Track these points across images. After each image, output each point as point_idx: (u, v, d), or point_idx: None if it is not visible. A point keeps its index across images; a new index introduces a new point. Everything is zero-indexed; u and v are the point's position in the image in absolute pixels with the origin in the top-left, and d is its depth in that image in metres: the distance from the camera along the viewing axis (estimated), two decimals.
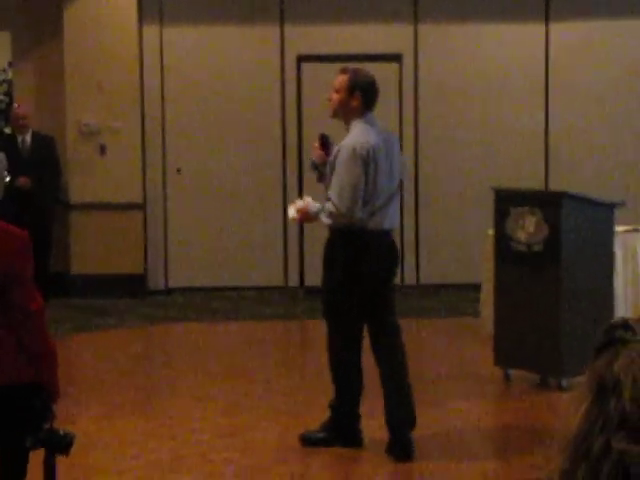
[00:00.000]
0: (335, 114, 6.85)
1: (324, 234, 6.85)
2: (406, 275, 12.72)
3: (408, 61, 12.62)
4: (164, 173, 12.55)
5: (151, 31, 12.56)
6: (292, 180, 12.31)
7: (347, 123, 6.74)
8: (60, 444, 4.38)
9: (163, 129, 12.54)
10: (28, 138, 12.19)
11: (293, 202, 6.91)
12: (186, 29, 12.53)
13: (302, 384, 8.64)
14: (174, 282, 12.60)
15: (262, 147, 12.15)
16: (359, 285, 6.67)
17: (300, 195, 6.85)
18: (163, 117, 12.54)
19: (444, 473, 6.54)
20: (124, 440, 7.20)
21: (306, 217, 6.80)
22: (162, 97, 12.55)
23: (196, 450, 6.91)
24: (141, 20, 12.48)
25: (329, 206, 6.54)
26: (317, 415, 7.21)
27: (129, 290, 12.28)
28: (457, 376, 8.82)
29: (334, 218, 6.58)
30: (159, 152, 12.56)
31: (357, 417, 6.87)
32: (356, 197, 6.50)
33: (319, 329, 10.96)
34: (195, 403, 8.06)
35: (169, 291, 12.57)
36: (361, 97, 6.69)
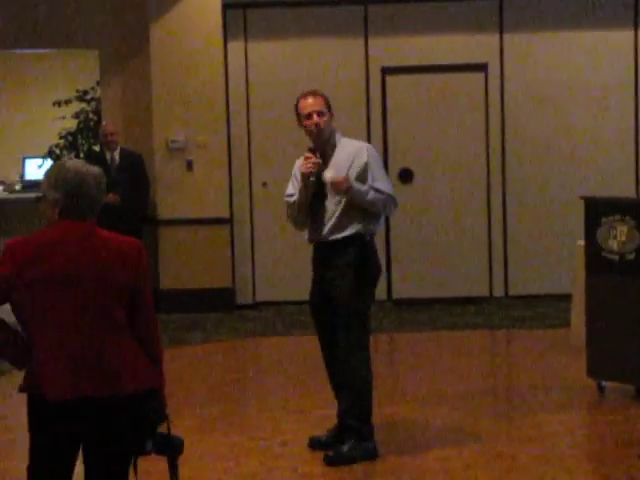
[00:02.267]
0: (324, 134, 6.85)
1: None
2: (495, 287, 12.65)
3: (494, 70, 12.53)
4: (250, 187, 12.61)
5: (236, 46, 12.62)
6: None
7: (326, 140, 6.85)
8: (177, 447, 4.59)
9: (249, 143, 12.60)
10: (116, 155, 12.29)
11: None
12: (270, 44, 12.59)
13: (389, 398, 8.58)
14: (262, 296, 12.65)
15: None
16: (372, 291, 6.99)
17: None
18: (249, 131, 12.60)
19: None
20: (215, 453, 7.21)
21: (348, 185, 6.66)
22: (247, 112, 12.61)
23: (287, 464, 6.90)
24: (226, 36, 12.54)
25: (385, 198, 6.73)
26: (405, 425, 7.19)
27: (218, 304, 12.34)
28: (549, 387, 8.72)
29: (385, 203, 6.75)
30: (245, 166, 12.62)
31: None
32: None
33: (407, 341, 11.02)
34: (286, 416, 8.06)
35: (257, 305, 12.61)
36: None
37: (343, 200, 6.71)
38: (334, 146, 6.85)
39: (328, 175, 6.74)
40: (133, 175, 12.28)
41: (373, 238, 6.90)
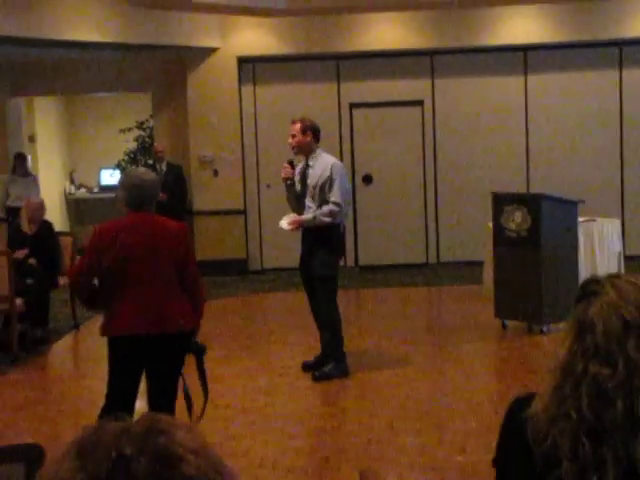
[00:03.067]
0: (299, 150, 6.91)
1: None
2: (430, 256, 12.69)
3: (428, 105, 12.55)
4: (258, 188, 12.61)
5: (247, 89, 12.60)
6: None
7: (307, 154, 6.86)
8: (203, 350, 4.77)
9: (257, 157, 12.59)
10: (164, 166, 12.27)
11: (285, 217, 6.94)
12: (271, 87, 12.56)
13: (357, 334, 8.60)
14: (267, 264, 12.66)
15: None
16: (337, 262, 6.98)
17: None
18: (256, 149, 12.59)
19: (458, 389, 6.54)
20: (236, 374, 7.26)
21: (299, 224, 6.84)
22: (256, 135, 12.60)
23: (287, 380, 6.95)
24: (240, 81, 12.52)
25: (332, 207, 6.66)
26: (368, 352, 7.20)
27: (236, 270, 12.35)
28: (468, 325, 8.77)
29: (334, 215, 6.68)
30: (254, 173, 12.61)
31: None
32: (349, 199, 6.98)
33: (369, 295, 11.07)
34: (285, 347, 8.10)
35: (264, 271, 12.62)
36: (312, 135, 6.83)
37: (316, 199, 6.76)
38: (313, 158, 6.84)
39: (283, 223, 6.86)
40: (176, 180, 12.28)
41: (339, 226, 6.91)
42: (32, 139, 14.66)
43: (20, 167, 12.43)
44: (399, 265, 12.45)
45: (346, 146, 12.59)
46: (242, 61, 12.42)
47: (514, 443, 1.91)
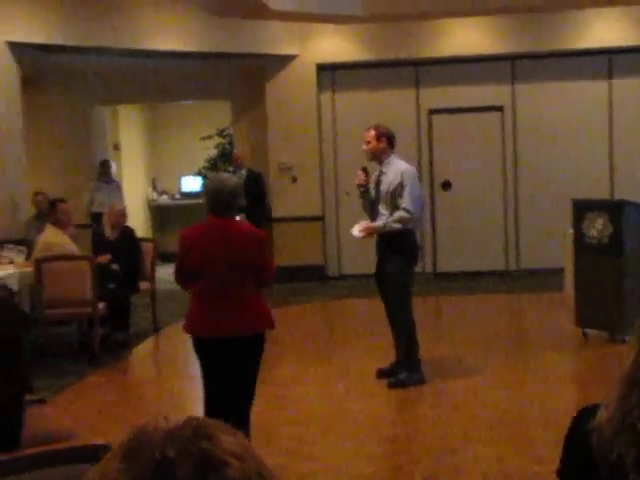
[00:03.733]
0: (373, 156, 6.90)
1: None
2: (510, 263, 12.52)
3: (508, 111, 12.42)
4: (337, 195, 12.64)
5: (326, 97, 12.65)
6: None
7: (381, 161, 6.83)
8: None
9: (335, 164, 12.63)
10: (243, 173, 12.39)
11: (356, 225, 6.91)
12: (350, 94, 12.59)
13: (433, 341, 8.55)
14: (345, 270, 12.67)
15: None
16: (411, 268, 6.89)
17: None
18: (335, 156, 12.63)
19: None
20: (312, 379, 7.28)
21: (371, 232, 6.82)
22: (334, 142, 12.64)
23: (362, 387, 6.92)
24: (319, 89, 12.58)
25: (402, 214, 6.60)
26: (444, 360, 7.14)
27: (313, 276, 12.39)
28: (547, 333, 8.64)
29: (405, 222, 6.63)
30: (333, 180, 12.65)
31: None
32: (421, 205, 6.86)
33: (446, 302, 10.98)
34: (362, 353, 8.07)
35: (342, 277, 12.64)
36: (387, 142, 6.80)
37: (388, 206, 6.74)
38: (386, 165, 6.82)
39: (355, 231, 6.85)
40: (255, 187, 12.39)
41: (413, 233, 6.85)
42: (117, 147, 14.98)
43: (104, 174, 12.70)
44: (478, 272, 12.32)
45: (425, 152, 12.53)
46: (321, 68, 12.48)
47: (578, 455, 1.88)
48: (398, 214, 6.64)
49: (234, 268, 4.74)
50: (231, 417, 4.13)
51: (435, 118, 12.53)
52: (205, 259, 4.77)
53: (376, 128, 6.88)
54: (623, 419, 1.74)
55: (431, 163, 12.55)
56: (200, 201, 10.81)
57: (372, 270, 7.24)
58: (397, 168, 6.78)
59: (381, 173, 6.85)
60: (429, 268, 12.50)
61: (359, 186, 6.95)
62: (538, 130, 12.32)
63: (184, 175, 16.31)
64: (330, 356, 8.12)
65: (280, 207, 12.60)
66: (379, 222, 6.73)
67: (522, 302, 11.00)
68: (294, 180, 12.52)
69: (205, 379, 4.93)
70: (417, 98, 12.52)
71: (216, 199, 4.83)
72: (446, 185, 12.59)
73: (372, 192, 6.92)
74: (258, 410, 6.36)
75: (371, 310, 10.44)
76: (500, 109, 12.40)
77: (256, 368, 4.91)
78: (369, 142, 6.84)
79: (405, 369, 6.81)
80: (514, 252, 12.55)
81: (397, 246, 6.75)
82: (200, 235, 4.82)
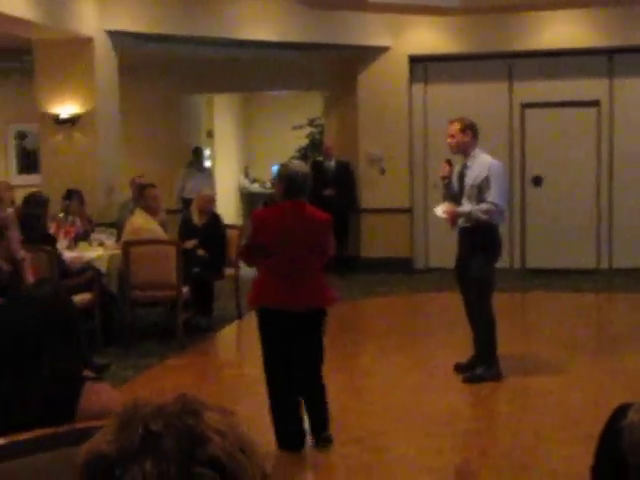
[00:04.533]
0: (457, 149, 6.83)
1: None
2: (601, 261, 12.26)
3: (604, 106, 12.14)
4: (425, 187, 12.57)
5: (418, 88, 12.60)
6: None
7: (466, 154, 6.76)
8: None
9: (425, 157, 12.57)
10: (332, 163, 12.47)
11: (441, 205, 6.84)
12: (442, 86, 12.50)
13: (518, 338, 8.43)
14: (433, 263, 12.60)
15: None
16: (494, 263, 6.77)
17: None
18: (425, 148, 12.56)
19: None
20: (388, 370, 7.29)
21: (454, 215, 6.72)
22: (425, 135, 12.57)
23: (438, 380, 6.91)
24: (411, 80, 12.53)
25: (490, 206, 6.53)
26: (526, 357, 7.04)
27: (400, 269, 12.36)
28: (635, 337, 8.40)
29: (491, 214, 6.56)
30: (421, 172, 12.59)
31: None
32: (507, 199, 6.86)
33: (533, 299, 10.81)
34: (441, 347, 8.03)
35: (429, 270, 12.58)
36: (471, 134, 6.72)
37: (473, 199, 6.67)
38: (472, 158, 6.75)
39: (438, 210, 6.80)
40: (344, 177, 12.45)
41: (497, 227, 6.79)
42: (210, 134, 15.24)
43: (197, 161, 12.96)
44: (568, 269, 12.09)
45: (517, 146, 12.36)
46: (413, 60, 12.42)
47: (610, 453, 1.86)
48: (486, 206, 6.58)
49: (306, 247, 5.11)
50: (298, 389, 4.48)
51: (528, 112, 12.34)
52: (281, 238, 5.08)
53: (460, 121, 6.81)
54: None
55: (523, 157, 12.37)
56: None
57: None
58: (483, 161, 6.72)
59: (465, 166, 6.79)
60: (517, 264, 12.33)
61: (443, 178, 6.93)
62: (636, 125, 12.00)
63: (275, 164, 16.47)
64: (410, 348, 8.11)
65: (368, 198, 12.61)
66: (465, 207, 6.66)
67: (613, 302, 10.75)
68: (383, 171, 12.51)
69: (269, 353, 5.17)
70: (510, 91, 12.34)
71: (291, 184, 5.14)
72: (537, 180, 12.39)
73: (455, 185, 6.88)
74: (332, 398, 6.41)
75: (456, 304, 10.30)
76: (596, 103, 12.12)
77: (321, 341, 5.25)
78: (453, 135, 6.79)
79: (482, 364, 6.75)
80: (607, 250, 12.27)
81: (480, 241, 6.68)
82: (276, 216, 5.13)
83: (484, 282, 6.74)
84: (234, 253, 9.20)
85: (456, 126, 6.77)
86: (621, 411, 1.85)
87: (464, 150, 6.77)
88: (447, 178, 6.88)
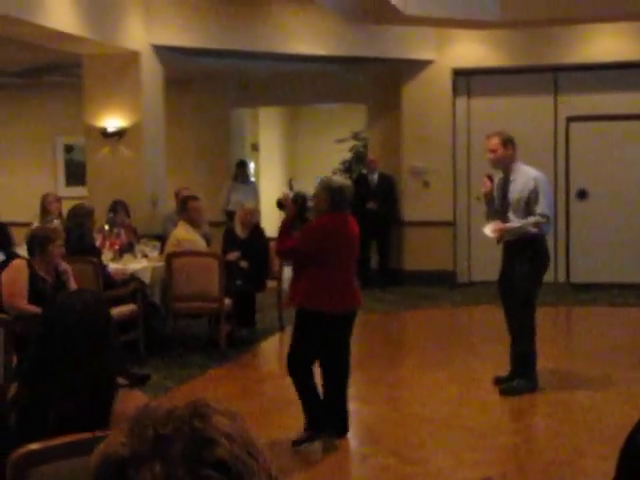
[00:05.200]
0: (497, 164, 6.83)
1: None
2: None
3: None
4: (468, 200, 12.54)
5: (462, 101, 12.59)
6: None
7: (508, 168, 6.75)
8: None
9: (468, 170, 12.53)
10: (375, 176, 12.51)
11: (489, 224, 6.82)
12: (486, 99, 12.48)
13: (560, 354, 8.36)
14: (476, 277, 12.55)
15: None
16: (541, 274, 6.76)
17: None
18: (468, 162, 12.53)
19: None
20: (428, 383, 7.28)
21: (503, 232, 6.69)
22: (468, 148, 12.55)
23: (475, 392, 6.89)
24: (455, 94, 12.53)
25: (539, 218, 6.54)
26: (566, 372, 6.96)
27: (443, 282, 12.34)
28: None
29: (540, 227, 6.56)
30: (464, 185, 12.56)
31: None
32: (555, 211, 6.93)
33: (579, 314, 10.71)
34: (481, 360, 8.00)
35: (472, 283, 12.54)
36: (512, 148, 6.73)
37: (519, 213, 6.66)
38: (514, 171, 6.73)
39: (487, 230, 6.79)
40: (387, 190, 12.48)
41: (544, 238, 6.77)
42: (255, 147, 15.37)
43: (242, 174, 13.07)
44: (613, 284, 11.97)
45: (561, 160, 12.29)
46: (457, 73, 12.43)
47: (631, 467, 1.87)
48: (534, 218, 6.57)
49: (355, 256, 5.66)
50: (334, 390, 4.76)
51: (573, 125, 12.27)
52: (343, 248, 5.52)
53: (500, 134, 6.80)
54: None
55: (567, 171, 12.29)
56: None
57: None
58: (528, 174, 6.70)
59: (508, 180, 6.76)
60: (562, 278, 12.24)
61: (485, 194, 6.90)
62: None
63: (319, 176, 16.54)
64: (450, 361, 8.08)
65: (411, 211, 12.61)
66: (514, 223, 6.65)
67: None
68: (426, 184, 12.51)
69: (310, 350, 5.54)
70: (555, 105, 12.29)
71: (341, 197, 5.33)
72: (582, 194, 12.30)
73: (496, 200, 6.86)
74: (369, 409, 6.46)
75: (498, 317, 10.26)
76: None
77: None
78: (495, 150, 6.76)
79: (520, 377, 6.72)
80: None
81: (528, 252, 6.66)
82: (339, 227, 5.46)
83: (529, 293, 6.71)
84: (277, 265, 9.27)
85: (496, 140, 6.75)
86: None
87: (507, 163, 6.75)
88: (489, 194, 6.87)
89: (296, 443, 5.52)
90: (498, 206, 6.83)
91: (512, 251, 6.75)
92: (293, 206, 5.66)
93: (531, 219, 6.56)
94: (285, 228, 5.63)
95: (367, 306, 10.91)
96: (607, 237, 12.13)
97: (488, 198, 6.89)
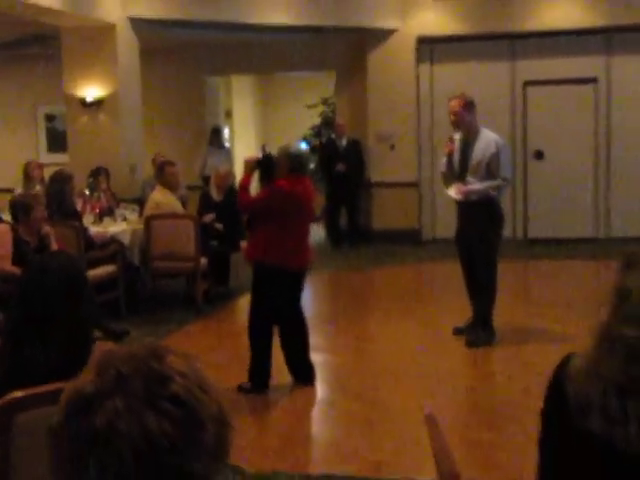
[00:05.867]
0: (459, 126, 6.81)
1: None
2: (600, 230, 12.31)
3: (602, 83, 12.15)
4: (432, 162, 12.58)
5: (425, 68, 12.64)
6: None
7: (469, 130, 6.74)
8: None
9: (431, 134, 12.61)
10: (344, 141, 12.56)
11: (453, 186, 6.81)
12: (447, 66, 12.53)
13: (516, 301, 8.52)
14: (439, 234, 12.67)
15: None
16: (499, 232, 6.84)
17: None
18: (432, 126, 12.60)
19: None
20: (391, 334, 7.43)
21: (469, 193, 6.67)
22: (431, 113, 12.62)
23: (439, 343, 7.02)
24: (418, 60, 12.57)
25: (500, 182, 6.60)
26: (523, 319, 7.15)
27: (409, 240, 12.47)
28: None
29: (501, 190, 6.64)
30: (428, 148, 12.63)
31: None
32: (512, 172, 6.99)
33: (534, 266, 10.88)
34: (441, 311, 8.13)
35: (435, 240, 12.67)
36: (473, 111, 6.75)
37: (478, 175, 6.69)
38: (475, 134, 6.71)
39: (452, 192, 6.78)
40: (355, 154, 12.53)
41: (498, 201, 6.76)
42: (229, 114, 15.35)
43: (216, 140, 13.07)
44: (568, 239, 12.17)
45: (518, 123, 12.41)
46: (420, 41, 12.46)
47: (555, 396, 1.99)
48: (497, 182, 6.60)
49: (313, 215, 5.85)
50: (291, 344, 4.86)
51: (529, 90, 12.37)
52: (304, 207, 5.64)
53: (461, 97, 6.74)
54: (594, 366, 1.84)
55: (525, 133, 12.41)
56: None
57: None
58: (488, 138, 6.68)
59: (469, 143, 6.73)
60: (520, 234, 12.42)
61: (449, 154, 6.88)
62: (632, 102, 12.01)
63: (291, 141, 16.57)
64: (413, 313, 8.23)
65: (378, 173, 12.70)
66: (477, 185, 6.64)
67: (610, 270, 10.76)
68: (392, 148, 12.59)
69: (266, 307, 5.66)
70: (512, 70, 12.37)
71: (299, 162, 5.42)
72: (539, 155, 12.44)
73: (456, 162, 6.86)
74: (336, 360, 6.60)
75: (459, 272, 10.43)
76: (594, 80, 12.14)
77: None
78: (456, 112, 6.73)
79: (480, 328, 6.85)
80: (604, 220, 12.33)
81: (487, 213, 6.71)
82: (293, 189, 5.54)
83: (491, 249, 6.78)
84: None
85: (458, 102, 6.70)
86: (567, 360, 1.98)
87: (467, 126, 6.71)
88: (452, 154, 6.87)
89: (242, 389, 5.66)
90: (457, 167, 6.82)
91: (471, 211, 6.76)
92: (254, 164, 5.73)
93: (495, 182, 6.58)
94: (243, 184, 5.73)
95: (337, 264, 11.09)
96: (561, 195, 12.30)
97: (449, 159, 6.89)
